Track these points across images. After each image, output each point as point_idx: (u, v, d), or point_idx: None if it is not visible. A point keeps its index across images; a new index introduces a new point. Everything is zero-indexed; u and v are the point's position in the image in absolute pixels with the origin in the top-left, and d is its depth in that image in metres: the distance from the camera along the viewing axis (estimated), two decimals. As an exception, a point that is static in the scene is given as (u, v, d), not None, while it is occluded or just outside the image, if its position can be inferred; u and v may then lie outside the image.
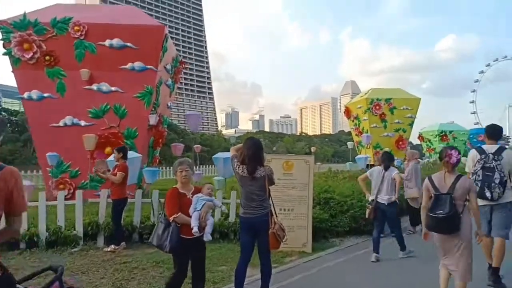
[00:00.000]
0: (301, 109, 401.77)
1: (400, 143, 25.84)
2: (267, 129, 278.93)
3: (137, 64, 13.03)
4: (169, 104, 16.58)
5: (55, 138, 13.04)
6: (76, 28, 12.51)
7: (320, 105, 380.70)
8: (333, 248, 7.56)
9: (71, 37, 12.62)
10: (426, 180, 4.35)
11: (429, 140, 34.52)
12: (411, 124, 26.66)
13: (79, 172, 13.26)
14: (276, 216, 4.71)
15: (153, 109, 13.74)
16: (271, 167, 4.87)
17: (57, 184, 13.26)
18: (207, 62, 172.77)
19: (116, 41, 12.79)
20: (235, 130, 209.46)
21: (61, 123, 13.09)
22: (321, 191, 8.90)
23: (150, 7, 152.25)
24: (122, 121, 13.42)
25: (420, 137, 35.59)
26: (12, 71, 12.74)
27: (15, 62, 12.64)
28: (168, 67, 14.79)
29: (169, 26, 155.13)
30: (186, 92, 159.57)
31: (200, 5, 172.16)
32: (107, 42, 12.75)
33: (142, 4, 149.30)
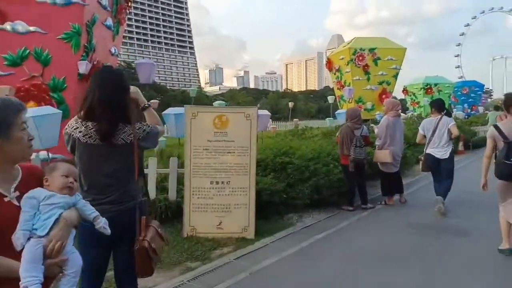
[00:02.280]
0: (286, 65, 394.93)
1: (384, 96, 23.86)
2: (252, 85, 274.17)
3: (60, -3, 10.41)
4: (113, 50, 13.99)
5: (-36, 91, 10.61)
6: None
7: (306, 60, 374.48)
8: (285, 230, 5.68)
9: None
10: (492, 129, 4.47)
11: (414, 94, 32.68)
12: (395, 76, 24.66)
13: None
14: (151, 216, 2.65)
15: (84, 54, 11.29)
16: (202, 123, 2.78)
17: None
18: (187, 14, 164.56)
19: (29, -32, 10.08)
20: (219, 87, 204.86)
21: (-30, 72, 10.61)
22: (277, 153, 6.91)
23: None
24: (46, 69, 10.93)
25: (405, 91, 33.69)
26: None
27: None
28: (104, 2, 12.11)
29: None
30: (166, 47, 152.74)
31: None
32: (18, -33, 10.04)
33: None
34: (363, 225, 6.03)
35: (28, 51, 10.98)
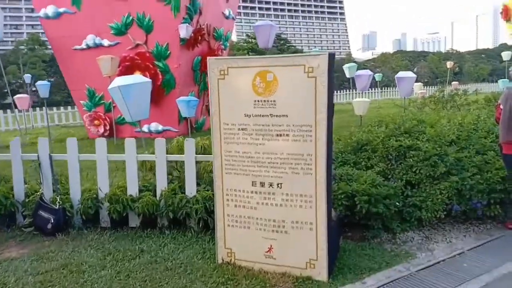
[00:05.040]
0: (452, 23, 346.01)
1: None
2: (410, 49, 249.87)
3: (156, -47, 9.36)
4: (227, 13, 12.71)
5: (80, 64, 10.75)
6: None
7: (477, 16, 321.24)
8: (394, 266, 3.26)
9: None
10: None
11: None
12: None
13: (113, 105, 10.86)
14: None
15: (186, 16, 10.15)
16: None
17: (91, 120, 11.23)
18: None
19: None
20: (372, 53, 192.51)
21: (83, 45, 10.65)
22: (392, 133, 4.39)
23: None
24: (149, 35, 10.27)
25: None
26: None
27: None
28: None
29: None
30: (316, 15, 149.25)
31: None
32: None
33: None
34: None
35: (131, 17, 10.42)
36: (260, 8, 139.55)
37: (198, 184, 4.06)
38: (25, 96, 14.35)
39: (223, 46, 12.46)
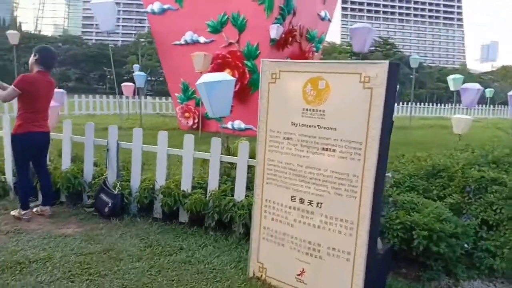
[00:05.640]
0: None
1: None
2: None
3: (255, -46, 9.45)
4: (323, 14, 12.37)
5: (178, 59, 11.40)
6: None
7: None
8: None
9: None
10: None
11: None
12: None
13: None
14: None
15: (279, 16, 10.09)
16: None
17: (182, 112, 11.86)
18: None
19: None
20: (492, 65, 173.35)
21: (182, 41, 11.26)
22: (475, 160, 3.75)
23: None
24: (242, 35, 10.44)
25: None
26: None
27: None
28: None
29: None
30: (430, 20, 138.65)
31: None
32: None
33: None
34: None
35: (226, 16, 10.70)
36: (368, 11, 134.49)
37: (249, 189, 3.94)
38: (131, 85, 15.73)
39: (314, 48, 12.16)
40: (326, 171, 2.73)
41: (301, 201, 2.87)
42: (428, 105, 26.48)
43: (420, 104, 25.76)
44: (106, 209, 4.16)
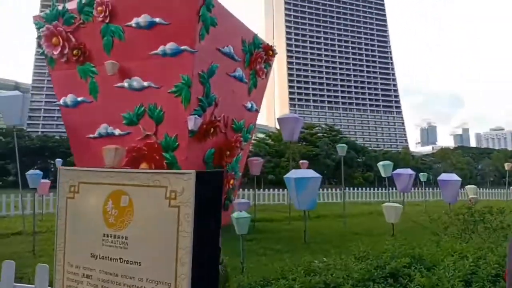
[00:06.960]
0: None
1: None
2: (473, 144, 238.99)
3: (169, 47, 9.32)
4: (249, 105, 12.30)
5: (94, 153, 10.50)
6: (99, 9, 9.73)
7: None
8: None
9: (97, 23, 9.94)
10: None
11: None
12: None
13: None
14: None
15: (198, 108, 9.75)
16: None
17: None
18: (393, 74, 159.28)
19: (143, 18, 9.44)
20: (432, 147, 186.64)
21: (96, 134, 10.51)
22: (370, 275, 3.03)
23: (331, 19, 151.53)
24: (159, 126, 9.90)
25: None
26: (49, 74, 10.98)
27: (50, 63, 10.75)
28: (228, 50, 10.59)
29: (351, 37, 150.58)
30: (371, 108, 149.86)
31: (384, 15, 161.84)
32: (133, 22, 9.55)
33: (323, 19, 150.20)
34: None
35: (143, 108, 10.19)
36: (314, 101, 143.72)
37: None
38: (47, 182, 14.39)
39: (242, 139, 11.83)
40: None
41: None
42: (375, 188, 26.78)
43: (368, 189, 26.03)
44: None
